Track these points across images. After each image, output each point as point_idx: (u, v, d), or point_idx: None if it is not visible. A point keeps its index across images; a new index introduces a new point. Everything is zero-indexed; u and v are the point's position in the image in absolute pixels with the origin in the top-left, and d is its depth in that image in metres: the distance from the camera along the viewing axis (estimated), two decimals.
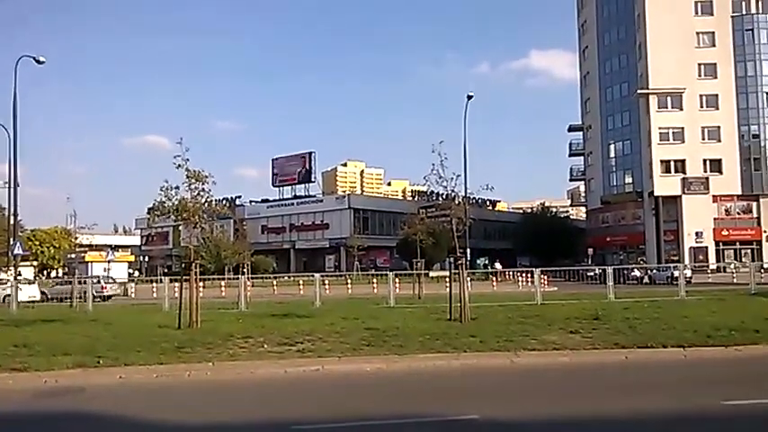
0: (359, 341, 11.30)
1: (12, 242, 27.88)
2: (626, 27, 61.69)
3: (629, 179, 63.29)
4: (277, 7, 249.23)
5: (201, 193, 14.49)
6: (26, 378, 8.87)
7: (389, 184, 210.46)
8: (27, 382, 8.68)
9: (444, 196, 17.32)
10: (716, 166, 56.29)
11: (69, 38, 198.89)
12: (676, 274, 26.39)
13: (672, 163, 56.60)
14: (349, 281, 33.44)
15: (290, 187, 75.61)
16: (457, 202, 17.32)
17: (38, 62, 27.98)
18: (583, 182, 74.02)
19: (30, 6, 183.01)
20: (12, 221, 30.19)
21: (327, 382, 8.81)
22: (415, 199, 70.02)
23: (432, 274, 33.32)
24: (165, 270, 62.94)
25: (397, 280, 23.48)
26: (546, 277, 28.04)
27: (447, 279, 18.92)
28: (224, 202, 65.62)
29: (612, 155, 64.77)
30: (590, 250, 61.74)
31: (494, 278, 33.07)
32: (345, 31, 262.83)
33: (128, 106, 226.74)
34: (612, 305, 17.99)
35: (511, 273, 34.69)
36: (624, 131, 63.18)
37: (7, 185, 27.40)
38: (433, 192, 23.41)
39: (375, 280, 29.36)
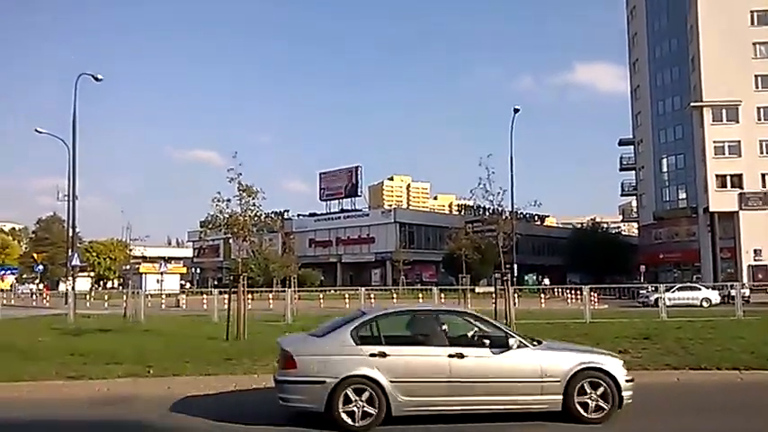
0: None
1: (70, 253, 28.94)
2: (678, 39, 60.23)
3: (682, 194, 61.47)
4: (321, 23, 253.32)
5: (252, 207, 14.80)
6: (81, 386, 9.18)
7: (436, 198, 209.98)
8: (81, 390, 8.98)
9: (491, 211, 17.22)
10: None
11: (125, 55, 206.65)
12: (733, 293, 25.45)
13: (728, 178, 54.61)
14: (394, 295, 33.46)
15: (336, 201, 76.34)
16: (504, 216, 17.18)
17: (96, 79, 29.11)
18: (634, 197, 72.22)
19: (89, 23, 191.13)
20: (70, 233, 31.37)
21: None
22: (462, 213, 69.61)
23: (478, 289, 33.01)
24: (216, 282, 64.18)
25: (442, 295, 23.37)
26: (596, 295, 27.45)
27: (493, 295, 18.73)
28: (273, 215, 66.76)
29: (665, 169, 63.06)
30: (642, 267, 60.02)
31: (542, 295, 32.54)
32: (391, 47, 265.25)
33: (179, 121, 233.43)
34: (664, 324, 17.47)
35: (560, 289, 34.07)
36: (677, 145, 61.46)
37: (67, 198, 28.55)
38: (479, 206, 23.27)
39: (421, 294, 29.27)
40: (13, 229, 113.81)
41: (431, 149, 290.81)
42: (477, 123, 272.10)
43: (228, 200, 14.66)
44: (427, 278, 63.23)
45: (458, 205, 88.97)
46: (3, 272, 68.96)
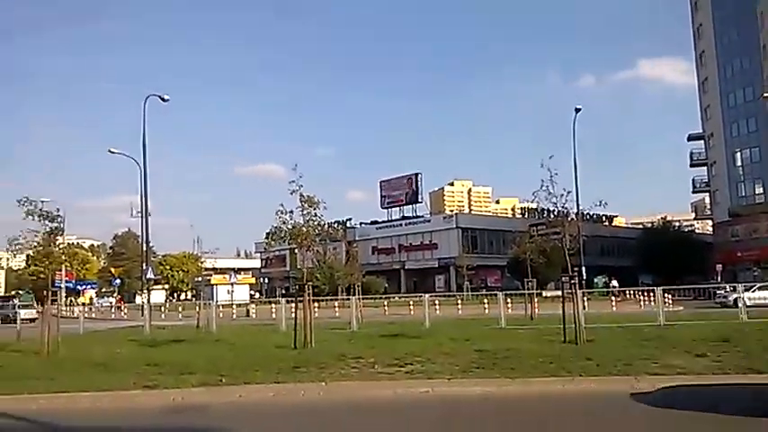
0: (469, 363, 11.17)
1: (145, 267, 30.15)
2: (746, 27, 57.44)
3: (759, 189, 58.45)
4: (378, 30, 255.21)
5: (314, 218, 15.04)
6: (156, 395, 9.52)
7: (498, 201, 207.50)
8: (157, 400, 9.30)
9: (555, 213, 16.86)
10: None
11: (188, 76, 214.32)
12: None
13: None
14: (459, 301, 33.21)
15: (398, 208, 76.56)
16: (569, 218, 16.77)
17: (163, 100, 30.24)
18: (707, 193, 69.20)
19: (154, 46, 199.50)
20: (144, 248, 32.70)
21: (437, 405, 8.76)
22: (525, 216, 68.47)
23: (545, 293, 32.34)
24: (284, 291, 65.44)
25: (508, 300, 23.02)
26: (670, 296, 26.39)
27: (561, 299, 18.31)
28: (335, 224, 67.82)
29: (739, 164, 60.17)
30: (719, 267, 57.34)
31: (613, 298, 31.55)
32: (448, 51, 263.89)
33: (242, 136, 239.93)
34: (745, 326, 16.62)
35: (631, 292, 32.96)
36: (751, 138, 58.54)
37: (140, 215, 29.76)
38: (543, 209, 22.84)
39: (486, 300, 28.93)
40: (92, 245, 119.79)
41: (491, 153, 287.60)
42: (539, 124, 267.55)
43: (291, 211, 14.95)
44: (492, 283, 62.44)
45: (521, 208, 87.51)
46: (83, 286, 72.46)
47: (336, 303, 32.52)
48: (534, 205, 25.08)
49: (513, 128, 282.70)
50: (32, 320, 28.87)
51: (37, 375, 11.38)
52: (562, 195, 14.95)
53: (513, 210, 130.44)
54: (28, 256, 21.17)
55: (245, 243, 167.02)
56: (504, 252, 57.23)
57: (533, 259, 26.25)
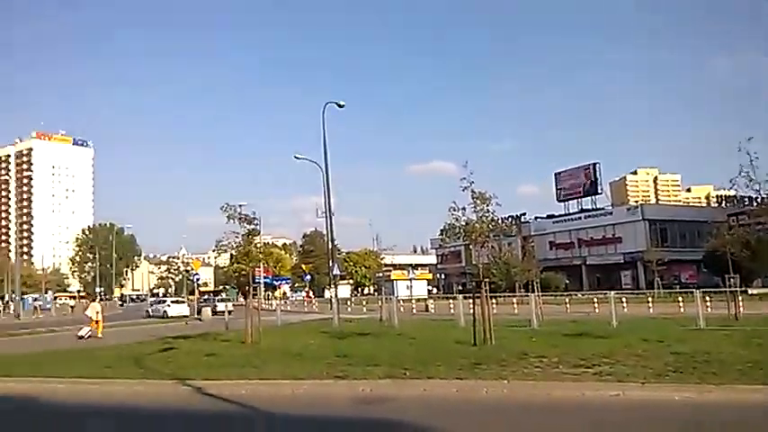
0: (663, 366, 10.37)
1: (331, 264, 32.05)
2: None
3: None
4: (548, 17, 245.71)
5: (486, 214, 14.95)
6: (346, 386, 10.10)
7: (689, 190, 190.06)
8: (347, 390, 9.86)
9: (758, 201, 15.08)
10: None
11: (364, 79, 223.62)
12: None
13: None
14: (650, 299, 30.97)
15: (575, 201, 73.34)
16: None
17: (339, 106, 31.80)
18: None
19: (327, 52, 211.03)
20: (330, 246, 34.76)
21: (632, 410, 8.26)
22: (722, 205, 62.02)
23: (751, 291, 29.01)
24: (460, 287, 65.89)
25: (706, 298, 21.03)
26: None
27: None
28: (509, 220, 66.74)
29: None
30: None
31: None
32: (630, 34, 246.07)
33: (414, 135, 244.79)
34: None
35: None
36: None
37: (324, 215, 31.65)
38: (743, 197, 20.54)
39: (680, 298, 26.64)
40: (285, 243, 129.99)
41: (679, 138, 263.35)
42: (730, 105, 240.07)
43: (463, 208, 14.99)
44: (686, 279, 57.41)
45: (716, 197, 79.39)
46: (279, 282, 78.98)
47: (515, 300, 32.02)
48: (732, 193, 22.60)
49: (702, 110, 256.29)
50: (229, 312, 32.44)
51: (243, 363, 12.65)
52: (766, 182, 13.33)
53: (707, 198, 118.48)
54: (231, 255, 23.64)
55: (420, 240, 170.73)
56: (698, 245, 52.35)
57: (735, 253, 23.66)
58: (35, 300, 65.79)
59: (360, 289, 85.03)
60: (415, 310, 36.60)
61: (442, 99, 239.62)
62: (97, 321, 25.04)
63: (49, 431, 8.51)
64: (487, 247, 16.01)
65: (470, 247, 16.37)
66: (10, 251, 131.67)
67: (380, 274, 58.27)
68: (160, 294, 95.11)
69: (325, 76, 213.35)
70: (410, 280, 52.12)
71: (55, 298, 76.18)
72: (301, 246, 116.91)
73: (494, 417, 8.21)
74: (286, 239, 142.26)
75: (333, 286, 30.58)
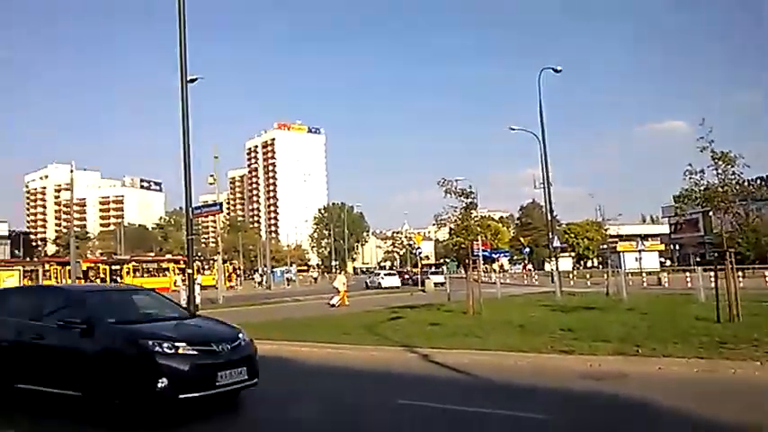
0: None
1: (551, 236, 31.20)
2: None
3: None
4: None
5: (731, 176, 13.29)
6: (572, 360, 9.81)
7: None
8: (574, 364, 9.58)
9: None
10: None
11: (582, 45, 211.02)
12: None
13: None
14: None
15: None
16: None
17: (555, 71, 30.59)
18: None
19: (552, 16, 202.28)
20: (549, 218, 33.86)
21: None
22: None
23: None
24: (698, 258, 59.83)
25: None
26: None
27: None
28: (757, 181, 58.30)
29: None
30: None
31: None
32: None
33: (639, 92, 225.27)
34: None
35: None
36: None
37: (542, 186, 30.80)
38: None
39: None
40: (502, 217, 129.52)
41: None
42: None
43: (702, 171, 13.45)
44: None
45: None
46: (497, 255, 79.07)
47: (767, 273, 28.20)
48: None
49: None
50: (442, 284, 36.43)
51: (465, 333, 12.97)
52: None
53: None
54: (450, 228, 24.24)
55: (649, 208, 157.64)
56: None
57: None
58: (286, 272, 74.34)
59: (582, 262, 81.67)
60: (645, 284, 34.19)
61: (670, 50, 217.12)
62: (343, 291, 27.96)
63: (315, 387, 9.55)
64: (732, 214, 14.24)
65: (711, 213, 14.74)
66: (260, 230, 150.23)
67: (605, 246, 55.28)
68: (386, 267, 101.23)
69: (537, 43, 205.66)
70: (639, 251, 48.51)
71: (299, 271, 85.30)
72: (518, 218, 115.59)
73: (750, 399, 7.33)
74: (503, 212, 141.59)
75: (553, 259, 29.78)
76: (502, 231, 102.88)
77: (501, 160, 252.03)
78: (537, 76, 30.04)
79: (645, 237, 75.13)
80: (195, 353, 6.99)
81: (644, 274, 39.01)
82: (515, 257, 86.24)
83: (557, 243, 31.96)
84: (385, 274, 53.97)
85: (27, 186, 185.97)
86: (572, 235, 78.77)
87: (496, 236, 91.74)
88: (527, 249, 70.37)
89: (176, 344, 6.91)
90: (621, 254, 50.79)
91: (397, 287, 46.44)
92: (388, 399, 8.03)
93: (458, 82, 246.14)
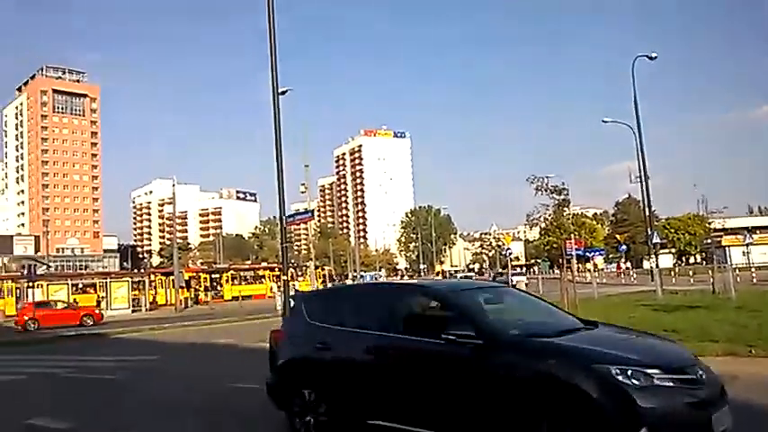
0: None
1: (649, 232, 29.85)
2: None
3: None
4: None
5: None
6: None
7: None
8: None
9: None
10: None
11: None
12: None
13: None
14: None
15: None
16: None
17: (650, 58, 29.32)
18: None
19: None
20: (647, 213, 32.44)
21: None
22: None
23: None
24: None
25: None
26: None
27: None
28: None
29: None
30: None
31: None
32: None
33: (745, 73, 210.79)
34: None
35: None
36: None
37: (639, 180, 29.54)
38: None
39: None
40: (595, 213, 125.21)
41: None
42: None
43: None
44: None
45: None
46: (592, 253, 76.48)
47: None
48: None
49: None
50: (526, 285, 37.56)
51: None
52: None
53: None
54: (541, 228, 23.73)
55: (758, 198, 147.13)
56: None
57: None
58: (375, 277, 75.39)
59: (684, 258, 77.55)
60: (755, 280, 31.99)
61: None
62: None
63: None
64: None
65: None
66: (350, 236, 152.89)
67: (709, 241, 52.28)
68: (474, 270, 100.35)
69: (630, 30, 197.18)
70: (747, 245, 45.44)
71: (388, 275, 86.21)
72: (613, 215, 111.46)
73: None
74: (596, 209, 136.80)
75: (653, 256, 28.49)
76: (597, 229, 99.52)
77: (590, 155, 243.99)
78: (630, 64, 28.89)
79: (753, 229, 70.37)
80: (673, 384, 4.61)
81: (753, 270, 36.56)
82: (611, 256, 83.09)
83: (656, 239, 30.55)
84: (461, 277, 53.19)
85: (134, 202, 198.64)
86: (672, 230, 74.97)
87: (592, 233, 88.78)
88: (623, 247, 67.59)
89: (647, 371, 4.55)
90: (727, 248, 47.87)
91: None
92: None
93: (543, 75, 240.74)
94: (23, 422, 8.06)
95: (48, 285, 40.26)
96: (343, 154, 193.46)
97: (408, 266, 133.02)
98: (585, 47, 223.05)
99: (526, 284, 39.75)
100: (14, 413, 8.86)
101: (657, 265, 28.40)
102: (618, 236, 75.70)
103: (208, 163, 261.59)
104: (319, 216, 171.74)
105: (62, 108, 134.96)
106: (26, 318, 30.59)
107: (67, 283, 42.10)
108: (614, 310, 18.20)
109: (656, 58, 29.34)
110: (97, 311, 34.22)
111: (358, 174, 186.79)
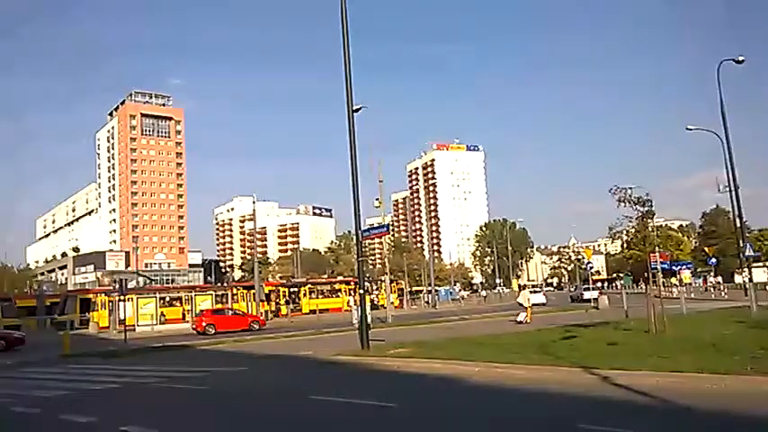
0: None
1: (741, 244, 28.22)
2: None
3: None
4: None
5: None
6: None
7: None
8: None
9: None
10: None
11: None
12: None
13: None
14: None
15: None
16: None
17: (737, 62, 27.88)
18: None
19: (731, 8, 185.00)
20: (738, 224, 30.68)
21: None
22: None
23: None
24: None
25: None
26: None
27: None
28: None
29: None
30: None
31: None
32: None
33: None
34: None
35: None
36: None
37: (728, 189, 28.06)
38: None
39: None
40: (681, 225, 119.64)
41: None
42: None
43: None
44: None
45: None
46: (678, 267, 72.98)
47: None
48: None
49: None
50: (595, 300, 37.86)
51: (649, 353, 12.09)
52: None
53: None
54: (624, 241, 22.86)
55: None
56: None
57: None
58: (450, 292, 74.88)
59: None
60: None
61: None
62: (529, 307, 27.76)
63: (489, 407, 9.53)
64: None
65: None
66: (424, 250, 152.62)
67: None
68: (553, 284, 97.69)
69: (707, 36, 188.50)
70: None
71: (461, 289, 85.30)
72: (700, 226, 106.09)
73: None
74: (682, 221, 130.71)
75: (745, 269, 26.86)
76: (684, 242, 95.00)
77: (674, 165, 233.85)
78: (716, 69, 27.53)
79: None
80: None
81: None
82: (699, 270, 78.98)
83: (749, 251, 28.80)
84: (530, 291, 51.91)
85: (216, 219, 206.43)
86: (766, 242, 70.59)
87: (678, 246, 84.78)
88: (713, 260, 64.09)
89: None
90: None
91: (544, 303, 44.64)
92: (566, 423, 7.75)
93: (620, 83, 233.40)
94: (119, 428, 8.50)
95: (137, 299, 42.20)
96: (416, 168, 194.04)
97: (484, 281, 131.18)
98: (668, 57, 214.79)
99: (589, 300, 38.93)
100: (108, 420, 9.36)
101: (751, 279, 26.77)
102: (706, 249, 71.96)
103: (286, 180, 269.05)
104: (393, 230, 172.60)
105: (149, 131, 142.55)
106: (204, 323, 33.68)
107: (155, 297, 43.97)
108: (705, 327, 17.30)
109: (743, 62, 27.85)
110: (261, 318, 38.88)
111: (431, 188, 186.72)
